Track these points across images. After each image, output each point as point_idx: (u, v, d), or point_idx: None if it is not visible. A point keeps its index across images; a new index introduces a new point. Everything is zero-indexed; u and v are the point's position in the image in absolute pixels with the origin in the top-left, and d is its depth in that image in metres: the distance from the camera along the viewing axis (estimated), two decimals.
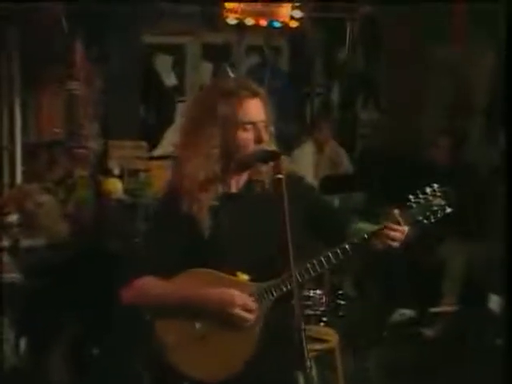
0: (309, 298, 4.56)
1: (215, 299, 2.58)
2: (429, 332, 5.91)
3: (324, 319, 4.60)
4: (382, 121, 8.37)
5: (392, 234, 2.64)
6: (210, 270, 2.62)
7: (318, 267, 2.63)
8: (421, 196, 2.70)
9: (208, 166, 2.63)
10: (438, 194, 2.70)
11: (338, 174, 7.24)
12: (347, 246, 2.64)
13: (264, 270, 2.62)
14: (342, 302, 5.72)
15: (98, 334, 5.03)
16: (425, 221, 2.70)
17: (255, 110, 2.63)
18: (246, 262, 2.62)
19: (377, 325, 5.97)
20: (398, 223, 2.65)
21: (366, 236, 2.65)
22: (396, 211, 2.66)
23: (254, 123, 2.63)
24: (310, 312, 4.54)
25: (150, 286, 2.62)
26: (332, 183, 6.79)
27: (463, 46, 7.19)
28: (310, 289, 4.54)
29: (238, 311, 2.56)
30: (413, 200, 2.69)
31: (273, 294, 2.61)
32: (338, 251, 2.63)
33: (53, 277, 4.94)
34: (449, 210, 2.69)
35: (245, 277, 2.63)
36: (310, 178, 6.70)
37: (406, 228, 2.66)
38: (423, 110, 7.77)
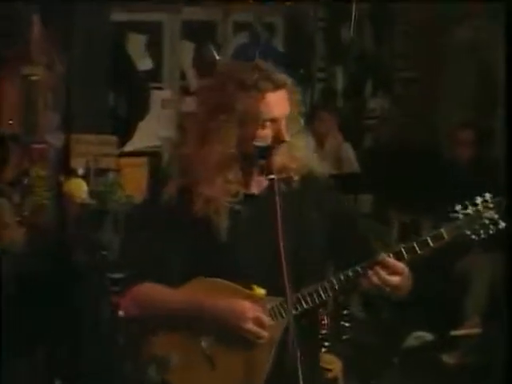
0: None
1: (224, 310, 2.61)
2: (449, 358, 5.92)
3: (326, 344, 4.58)
4: (393, 111, 8.38)
5: (381, 274, 2.66)
6: (220, 280, 2.65)
7: (342, 283, 2.68)
8: (470, 207, 2.66)
9: (224, 167, 2.66)
10: (491, 205, 2.67)
11: (342, 172, 7.23)
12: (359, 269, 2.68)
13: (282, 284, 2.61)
14: (347, 324, 5.70)
15: (63, 360, 5.01)
16: (473, 236, 2.66)
17: (278, 104, 2.66)
18: (264, 273, 2.65)
19: (388, 350, 5.96)
20: (399, 257, 2.65)
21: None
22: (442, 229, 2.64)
23: (274, 119, 2.65)
24: None
25: (151, 293, 2.67)
26: (335, 183, 6.75)
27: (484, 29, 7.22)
28: None
29: (250, 326, 2.59)
30: (460, 211, 2.66)
31: (297, 309, 2.63)
32: (350, 274, 2.68)
33: (7, 293, 4.91)
34: (503, 224, 2.65)
35: (261, 291, 2.64)
36: None
37: (404, 268, 2.65)
38: (441, 99, 7.77)
